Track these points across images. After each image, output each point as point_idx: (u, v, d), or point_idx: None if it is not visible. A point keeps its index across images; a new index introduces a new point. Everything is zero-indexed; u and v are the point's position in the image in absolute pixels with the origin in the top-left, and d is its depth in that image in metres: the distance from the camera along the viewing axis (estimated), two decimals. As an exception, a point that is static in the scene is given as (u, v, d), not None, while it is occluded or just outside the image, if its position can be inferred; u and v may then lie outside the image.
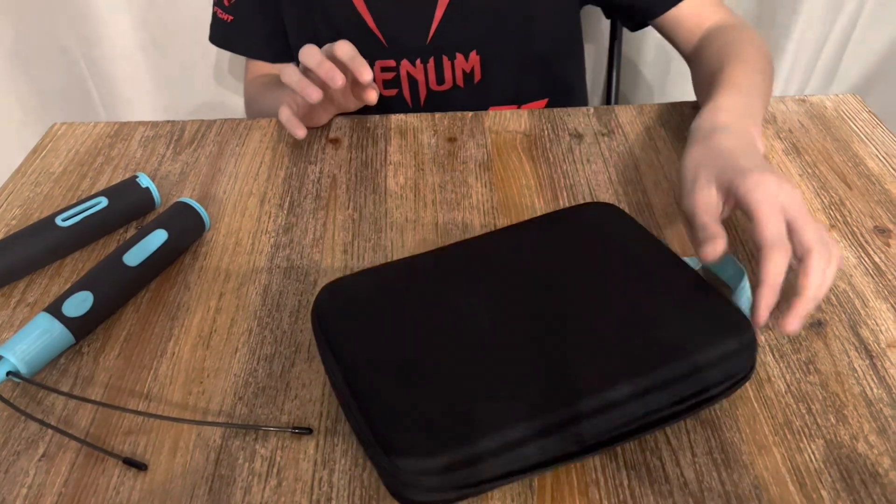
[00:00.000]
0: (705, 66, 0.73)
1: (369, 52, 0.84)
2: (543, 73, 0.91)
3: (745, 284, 0.49)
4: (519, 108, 0.90)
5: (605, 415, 0.40)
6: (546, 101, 0.93)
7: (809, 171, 0.66)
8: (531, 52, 0.89)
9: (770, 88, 0.70)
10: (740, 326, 0.44)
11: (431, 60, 0.85)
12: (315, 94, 0.64)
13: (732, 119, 0.58)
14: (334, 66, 0.65)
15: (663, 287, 0.47)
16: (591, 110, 0.76)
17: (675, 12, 0.81)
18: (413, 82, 0.87)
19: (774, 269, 0.44)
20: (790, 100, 0.76)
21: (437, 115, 0.76)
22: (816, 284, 0.44)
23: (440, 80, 0.87)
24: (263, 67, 0.96)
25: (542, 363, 0.42)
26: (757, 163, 0.51)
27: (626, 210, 0.62)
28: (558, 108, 0.76)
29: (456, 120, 0.75)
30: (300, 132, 0.68)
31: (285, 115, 0.69)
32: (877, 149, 0.68)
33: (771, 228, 0.46)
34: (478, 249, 0.51)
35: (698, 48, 0.79)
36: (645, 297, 0.46)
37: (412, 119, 0.75)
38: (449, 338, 0.44)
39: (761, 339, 0.50)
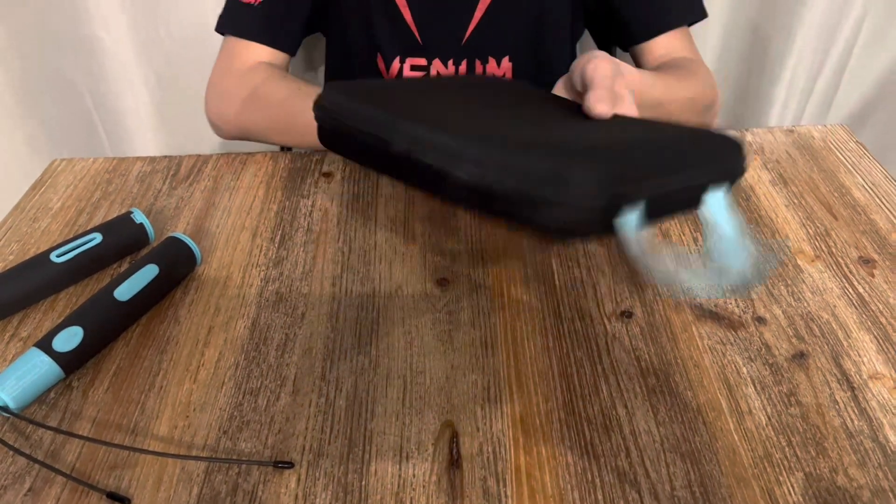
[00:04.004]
0: None
1: (402, 48, 0.84)
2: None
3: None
4: None
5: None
6: None
7: (796, 201, 0.67)
8: (554, 62, 0.90)
9: (688, 107, 0.75)
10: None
11: (464, 63, 0.84)
12: None
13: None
14: None
15: None
16: (581, 142, 0.77)
17: (651, 42, 0.84)
18: None
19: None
20: (778, 130, 0.77)
21: (429, 148, 0.77)
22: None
23: None
24: (262, 55, 0.83)
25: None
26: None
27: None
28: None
29: (447, 153, 0.76)
30: None
31: None
32: (863, 178, 0.69)
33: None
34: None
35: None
36: None
37: (404, 152, 0.76)
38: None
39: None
